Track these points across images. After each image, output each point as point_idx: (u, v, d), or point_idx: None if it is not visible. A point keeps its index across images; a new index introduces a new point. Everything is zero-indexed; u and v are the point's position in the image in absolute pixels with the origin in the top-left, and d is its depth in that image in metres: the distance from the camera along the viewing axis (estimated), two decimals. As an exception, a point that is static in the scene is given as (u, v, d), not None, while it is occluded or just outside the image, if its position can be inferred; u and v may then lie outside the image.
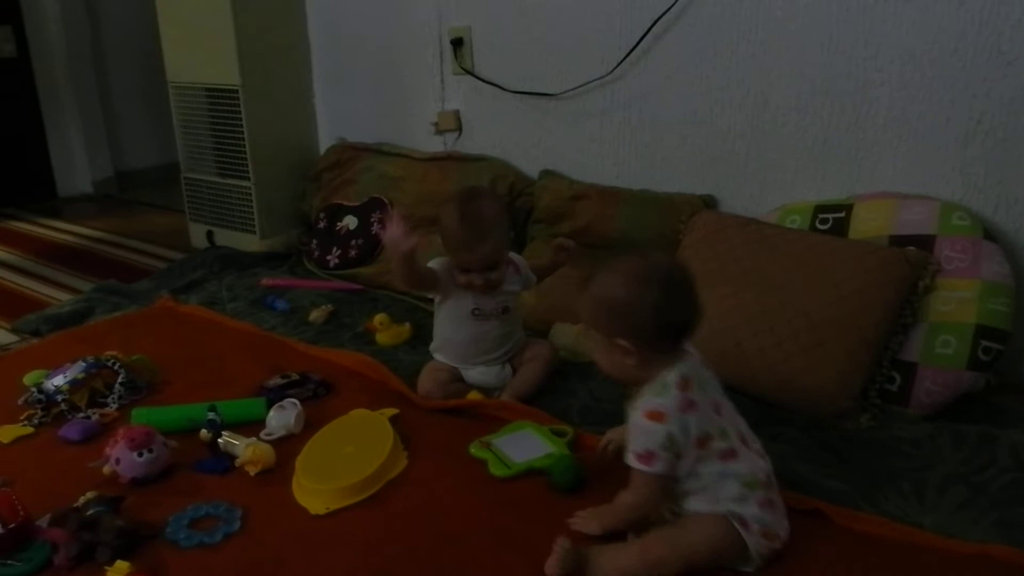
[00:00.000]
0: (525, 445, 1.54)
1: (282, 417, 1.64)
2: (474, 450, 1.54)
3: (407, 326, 2.15)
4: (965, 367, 1.67)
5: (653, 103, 2.24)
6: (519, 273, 1.83)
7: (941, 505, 1.39)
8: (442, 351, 1.86)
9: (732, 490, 1.19)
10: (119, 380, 1.80)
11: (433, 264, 1.79)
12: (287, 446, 1.57)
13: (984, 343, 1.66)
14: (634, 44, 2.19)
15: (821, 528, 1.31)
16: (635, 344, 1.19)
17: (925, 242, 1.76)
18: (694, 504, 1.21)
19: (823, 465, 1.51)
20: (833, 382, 1.66)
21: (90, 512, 1.33)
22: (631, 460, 1.18)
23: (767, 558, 1.21)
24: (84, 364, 1.79)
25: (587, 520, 1.29)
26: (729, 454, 1.19)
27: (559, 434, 1.57)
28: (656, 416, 1.16)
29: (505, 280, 1.78)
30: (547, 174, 2.45)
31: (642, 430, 1.17)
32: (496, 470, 1.48)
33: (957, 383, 1.68)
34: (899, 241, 1.78)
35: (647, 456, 1.16)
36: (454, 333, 1.82)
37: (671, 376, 1.19)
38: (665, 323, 1.19)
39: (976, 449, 1.53)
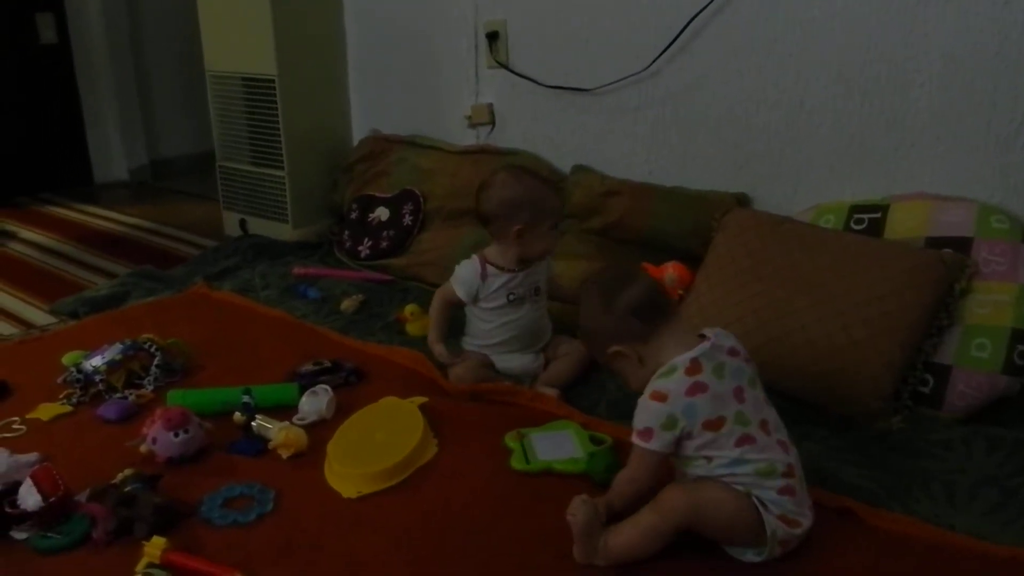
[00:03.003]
0: (557, 444, 1.53)
1: (314, 402, 1.66)
2: (508, 439, 1.55)
3: (437, 317, 2.16)
4: (1000, 371, 1.65)
5: (688, 100, 2.23)
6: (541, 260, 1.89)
7: (972, 508, 1.38)
8: (476, 341, 1.88)
9: (745, 477, 1.20)
10: (155, 363, 1.83)
11: (459, 283, 1.83)
12: (319, 431, 1.59)
13: (1020, 347, 1.64)
14: (670, 41, 2.19)
15: (851, 527, 1.31)
16: (624, 343, 1.28)
17: (962, 244, 1.74)
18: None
19: (854, 465, 1.50)
20: (866, 382, 1.65)
21: (128, 489, 1.36)
22: (633, 435, 1.24)
23: (785, 544, 1.21)
24: (121, 346, 1.82)
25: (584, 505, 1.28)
26: (746, 439, 1.21)
27: (597, 441, 1.54)
28: (659, 396, 1.22)
29: None
30: (579, 169, 2.45)
31: (644, 408, 1.23)
32: (516, 463, 1.48)
33: (991, 387, 1.66)
34: (936, 243, 1.77)
35: (645, 432, 1.22)
36: (491, 324, 1.84)
37: (680, 360, 1.23)
38: (623, 308, 1.27)
39: (1010, 454, 1.51)
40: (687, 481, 1.25)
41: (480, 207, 1.83)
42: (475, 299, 1.83)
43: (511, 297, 1.82)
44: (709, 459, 1.21)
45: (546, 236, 1.81)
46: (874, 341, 1.67)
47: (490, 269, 1.82)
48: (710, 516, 1.20)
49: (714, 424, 1.20)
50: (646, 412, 1.23)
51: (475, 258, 1.85)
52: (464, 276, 1.83)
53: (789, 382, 1.72)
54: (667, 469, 1.30)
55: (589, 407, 1.71)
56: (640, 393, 1.27)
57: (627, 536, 1.21)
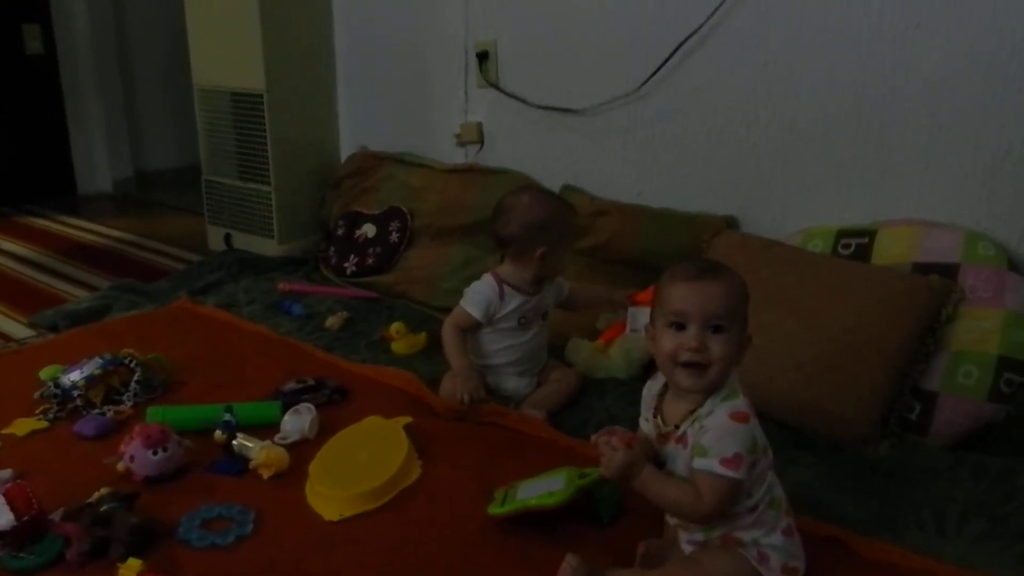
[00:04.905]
0: (541, 486, 1.37)
1: (297, 421, 1.64)
2: (497, 492, 1.42)
3: (423, 335, 2.14)
4: (986, 398, 1.65)
5: (678, 122, 2.24)
6: (552, 282, 1.87)
7: (961, 536, 1.37)
8: (475, 359, 1.82)
9: (770, 515, 1.15)
10: (135, 378, 1.80)
11: (475, 303, 1.78)
12: (301, 450, 1.56)
13: (1007, 375, 1.64)
14: (661, 63, 2.19)
15: (839, 556, 1.29)
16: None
17: (949, 270, 1.74)
18: (741, 532, 1.15)
19: (842, 491, 1.49)
20: (853, 408, 1.65)
21: (104, 508, 1.33)
22: (713, 467, 1.08)
23: None
24: (101, 361, 1.79)
25: (617, 456, 1.15)
26: (769, 468, 1.16)
27: (584, 476, 1.36)
28: (743, 416, 1.11)
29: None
30: (568, 189, 2.44)
31: (729, 431, 1.10)
32: (492, 508, 1.37)
33: (978, 414, 1.66)
34: (923, 269, 1.77)
35: (735, 460, 1.08)
36: (497, 345, 1.81)
37: (734, 379, 1.16)
38: None
39: (997, 481, 1.51)
40: (682, 563, 1.19)
41: (502, 229, 1.78)
42: (490, 320, 1.79)
43: (521, 320, 1.80)
44: (750, 495, 1.13)
45: (564, 257, 1.81)
46: (861, 366, 1.67)
47: (507, 289, 1.78)
48: None
49: (765, 451, 1.15)
50: (733, 436, 1.09)
51: (489, 277, 1.80)
52: (481, 296, 1.78)
53: (776, 406, 1.71)
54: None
55: (575, 430, 1.69)
56: (709, 383, 1.13)
57: None
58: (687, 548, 1.21)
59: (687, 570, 1.17)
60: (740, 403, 1.13)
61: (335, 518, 1.39)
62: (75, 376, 1.75)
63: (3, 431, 1.65)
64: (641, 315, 1.93)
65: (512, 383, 1.83)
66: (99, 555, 1.25)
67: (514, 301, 1.79)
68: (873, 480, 1.54)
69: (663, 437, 1.20)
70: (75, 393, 1.73)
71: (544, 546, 1.29)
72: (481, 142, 2.68)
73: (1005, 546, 1.34)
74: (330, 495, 1.43)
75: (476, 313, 1.78)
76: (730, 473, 1.08)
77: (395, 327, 2.16)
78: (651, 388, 1.26)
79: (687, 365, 1.13)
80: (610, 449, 1.15)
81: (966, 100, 1.79)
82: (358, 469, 1.49)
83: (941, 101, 1.82)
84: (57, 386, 1.75)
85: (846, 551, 1.30)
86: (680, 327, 1.14)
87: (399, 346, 2.11)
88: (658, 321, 1.18)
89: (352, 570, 1.27)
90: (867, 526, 1.38)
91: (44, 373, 1.84)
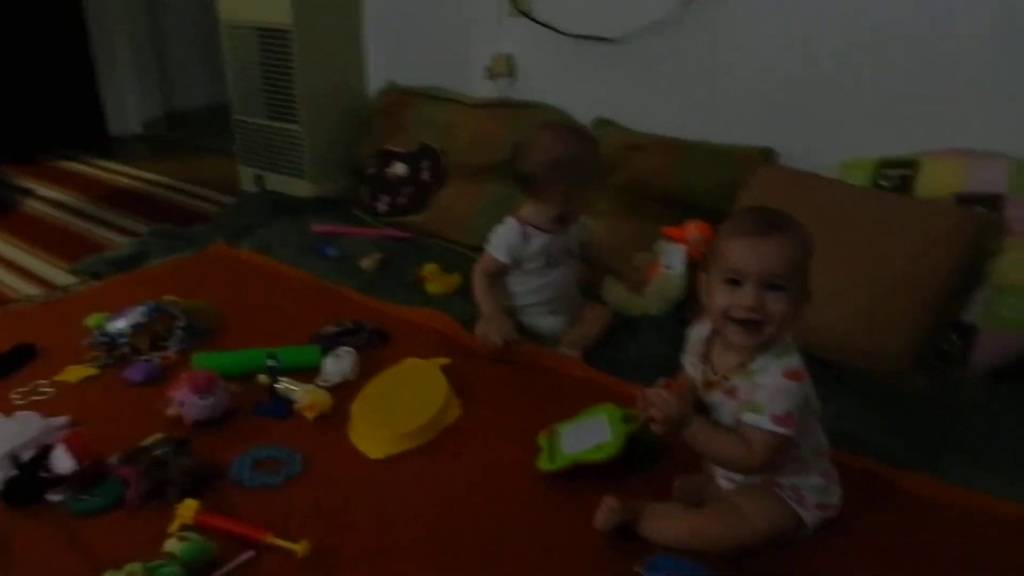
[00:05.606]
0: (587, 434, 1.38)
1: (338, 364, 1.67)
2: (540, 437, 1.43)
3: (457, 276, 2.15)
4: (1029, 331, 1.63)
5: (715, 51, 2.18)
6: (576, 220, 1.85)
7: (1000, 469, 1.38)
8: (508, 301, 1.84)
9: (812, 461, 1.16)
10: (179, 325, 1.83)
11: (501, 248, 1.77)
12: (342, 392, 1.59)
13: (1051, 308, 1.62)
14: (696, -11, 2.13)
15: (878, 490, 1.31)
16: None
17: (994, 202, 1.70)
18: (781, 477, 1.17)
19: (880, 425, 1.50)
20: (891, 342, 1.64)
21: (158, 452, 1.38)
22: (765, 423, 1.09)
23: (822, 525, 1.21)
24: (144, 308, 1.82)
25: (669, 407, 1.14)
26: (814, 415, 1.17)
27: (628, 419, 1.37)
28: (796, 375, 1.10)
29: None
30: (602, 123, 2.41)
31: (783, 390, 1.10)
32: (542, 463, 1.37)
33: (1019, 347, 1.65)
34: (967, 200, 1.73)
35: (787, 418, 1.09)
36: (527, 286, 1.82)
37: (790, 338, 1.14)
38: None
39: (1038, 415, 1.51)
40: (722, 506, 1.19)
41: (521, 167, 1.76)
42: (517, 262, 1.79)
43: (549, 259, 1.79)
44: (795, 445, 1.14)
45: (588, 195, 1.78)
46: (901, 300, 1.65)
47: (530, 230, 1.77)
48: (755, 538, 1.16)
49: (812, 403, 1.15)
50: (786, 394, 1.09)
51: (511, 220, 1.79)
52: (505, 239, 1.77)
53: (814, 340, 1.68)
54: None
55: (610, 368, 1.71)
56: (765, 338, 1.11)
57: (661, 538, 1.19)
58: (724, 484, 1.23)
59: (726, 512, 1.18)
60: (794, 361, 1.12)
61: (380, 456, 1.43)
62: (121, 324, 1.78)
63: (56, 378, 1.69)
64: (674, 251, 1.92)
65: (547, 322, 1.84)
66: (157, 497, 1.31)
67: (538, 241, 1.77)
68: (911, 414, 1.54)
69: (710, 384, 1.19)
70: (122, 340, 1.77)
71: (584, 484, 1.32)
72: (512, 75, 2.63)
73: (1046, 480, 1.34)
74: (374, 435, 1.47)
75: (501, 256, 1.77)
76: (781, 430, 1.09)
77: (429, 268, 2.17)
78: (699, 332, 1.24)
79: (741, 322, 1.11)
80: (663, 402, 1.14)
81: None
82: (400, 409, 1.52)
83: (1003, 31, 1.75)
84: (104, 334, 1.79)
85: (884, 484, 1.32)
86: (736, 283, 1.11)
87: (433, 287, 2.13)
88: (713, 274, 1.15)
89: (398, 507, 1.31)
90: (905, 459, 1.39)
91: (90, 320, 1.88)
